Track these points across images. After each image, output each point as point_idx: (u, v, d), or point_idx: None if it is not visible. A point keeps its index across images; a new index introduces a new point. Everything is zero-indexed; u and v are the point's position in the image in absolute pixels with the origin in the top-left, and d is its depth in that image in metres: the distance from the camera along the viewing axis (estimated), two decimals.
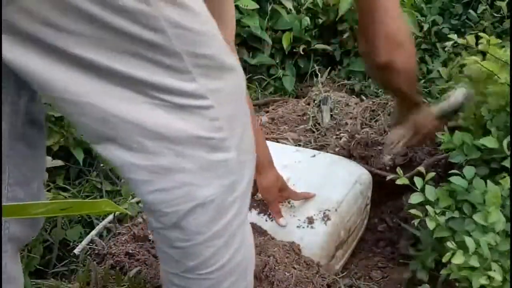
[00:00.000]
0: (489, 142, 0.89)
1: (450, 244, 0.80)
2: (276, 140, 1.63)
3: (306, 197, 1.17)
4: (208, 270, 0.64)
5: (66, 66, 0.50)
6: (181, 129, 0.55)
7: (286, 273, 1.00)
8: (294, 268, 1.02)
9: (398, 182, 0.95)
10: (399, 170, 0.97)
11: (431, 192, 0.90)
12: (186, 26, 0.53)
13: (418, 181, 0.92)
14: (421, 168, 0.96)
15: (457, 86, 0.93)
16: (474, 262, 0.77)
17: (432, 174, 0.92)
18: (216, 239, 0.63)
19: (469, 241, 0.78)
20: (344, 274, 1.18)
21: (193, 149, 0.57)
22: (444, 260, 0.80)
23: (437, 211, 0.88)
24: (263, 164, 1.06)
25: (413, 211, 0.91)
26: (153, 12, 0.50)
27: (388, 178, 1.02)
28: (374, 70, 0.82)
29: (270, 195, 1.11)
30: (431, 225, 0.86)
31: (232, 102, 0.61)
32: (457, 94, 0.95)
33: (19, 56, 0.49)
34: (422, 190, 0.91)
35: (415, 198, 0.91)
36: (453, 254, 0.79)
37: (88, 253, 1.20)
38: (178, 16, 0.52)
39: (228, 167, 0.61)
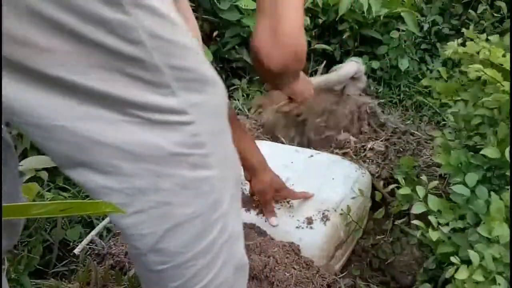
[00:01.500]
0: (491, 153, 0.86)
1: (454, 259, 0.78)
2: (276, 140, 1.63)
3: (305, 197, 1.17)
4: None
5: (39, 89, 0.46)
6: (160, 148, 0.52)
7: (286, 273, 1.00)
8: (294, 268, 1.02)
9: (401, 192, 0.94)
10: (401, 179, 0.96)
11: (434, 202, 0.88)
12: (165, 38, 0.49)
13: (420, 190, 0.91)
14: (423, 178, 0.95)
15: (349, 60, 0.83)
16: (479, 276, 0.75)
17: (435, 183, 0.90)
18: (199, 259, 0.60)
19: (473, 255, 0.77)
20: (344, 274, 1.19)
21: (172, 168, 0.54)
22: (447, 275, 0.78)
23: (440, 221, 0.86)
24: (255, 167, 1.07)
25: (416, 221, 0.90)
26: (132, 23, 0.46)
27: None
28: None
29: (264, 197, 1.12)
30: (434, 236, 0.85)
31: (214, 117, 0.57)
32: (348, 67, 0.84)
33: None
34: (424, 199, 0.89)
35: (417, 208, 0.89)
36: (456, 269, 0.77)
37: (88, 253, 1.20)
38: (157, 26, 0.48)
39: (210, 185, 0.58)
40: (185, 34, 0.53)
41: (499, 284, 0.74)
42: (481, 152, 0.87)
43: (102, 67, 0.47)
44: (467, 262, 0.79)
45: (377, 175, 1.47)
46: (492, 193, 0.84)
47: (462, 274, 0.76)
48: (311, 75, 2.17)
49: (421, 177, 1.01)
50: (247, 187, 1.19)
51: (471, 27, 1.10)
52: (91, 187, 0.53)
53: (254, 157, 1.06)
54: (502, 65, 0.95)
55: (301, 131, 1.67)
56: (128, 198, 0.53)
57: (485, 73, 0.91)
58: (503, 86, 0.88)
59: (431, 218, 0.87)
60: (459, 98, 1.06)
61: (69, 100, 0.47)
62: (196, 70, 0.54)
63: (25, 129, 0.49)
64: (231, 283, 0.68)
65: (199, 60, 0.55)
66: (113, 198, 0.53)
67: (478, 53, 0.98)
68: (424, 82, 1.14)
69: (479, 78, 0.95)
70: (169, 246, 0.57)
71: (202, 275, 0.62)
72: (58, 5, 0.43)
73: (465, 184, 0.87)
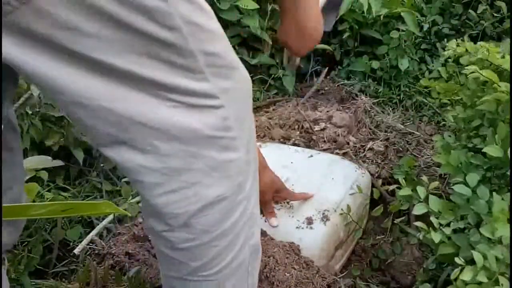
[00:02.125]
0: (493, 151, 0.86)
1: (458, 260, 0.78)
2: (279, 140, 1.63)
3: (304, 198, 1.17)
4: (211, 271, 0.64)
5: (80, 70, 0.48)
6: (195, 130, 0.55)
7: (286, 273, 1.00)
8: (294, 268, 1.02)
9: (401, 193, 0.94)
10: (401, 180, 0.96)
11: (435, 202, 0.88)
12: (199, 23, 0.52)
13: (420, 191, 0.91)
14: (424, 178, 0.95)
15: None
16: (482, 277, 0.75)
17: (435, 183, 0.90)
18: (222, 239, 0.62)
19: (477, 256, 0.76)
20: (344, 274, 1.19)
21: (205, 149, 0.56)
22: (452, 277, 0.78)
23: (442, 221, 0.86)
24: None
25: (418, 223, 0.90)
26: (169, 9, 0.48)
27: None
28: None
29: (263, 197, 1.11)
30: (436, 238, 0.84)
31: (240, 102, 0.60)
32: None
33: (31, 60, 0.46)
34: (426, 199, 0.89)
35: (419, 209, 0.89)
36: (461, 270, 0.77)
37: (88, 253, 1.20)
38: (191, 12, 0.51)
39: (237, 167, 0.60)
40: (213, 19, 0.55)
41: (502, 284, 0.74)
42: (483, 150, 0.87)
43: (140, 53, 0.49)
44: (469, 262, 0.78)
45: (376, 175, 1.47)
46: (494, 193, 0.84)
47: (467, 275, 0.76)
48: (311, 75, 2.18)
49: (421, 177, 1.01)
50: None
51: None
52: (129, 166, 0.55)
53: None
54: (500, 66, 0.95)
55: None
56: (164, 178, 0.56)
57: (482, 74, 0.91)
58: (500, 87, 0.88)
59: (433, 219, 0.86)
60: (458, 98, 1.06)
61: (110, 82, 0.50)
62: (225, 56, 0.56)
63: (70, 108, 0.51)
64: (247, 264, 0.69)
65: (226, 45, 0.57)
66: (149, 177, 0.55)
67: (476, 52, 0.98)
68: (423, 82, 1.14)
69: (475, 78, 0.95)
70: (198, 223, 0.60)
71: (225, 254, 0.64)
72: None
73: (466, 184, 0.87)
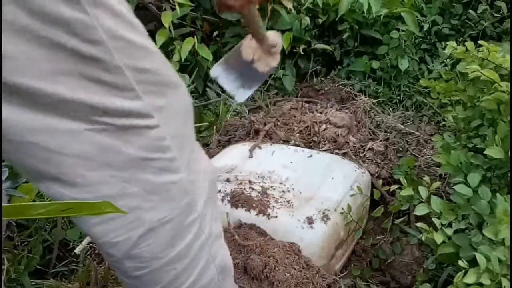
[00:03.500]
0: (494, 152, 0.87)
1: (461, 263, 0.78)
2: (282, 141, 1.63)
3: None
4: None
5: (4, 100, 0.43)
6: (126, 154, 0.51)
7: (286, 273, 1.00)
8: (294, 268, 1.02)
9: (403, 193, 0.94)
10: (403, 180, 0.97)
11: (437, 203, 0.88)
12: (127, 39, 0.48)
13: (422, 191, 0.91)
14: (426, 178, 0.95)
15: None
16: (486, 280, 0.74)
17: (437, 184, 0.90)
18: (176, 263, 0.60)
19: (480, 258, 0.76)
20: (344, 274, 1.19)
21: (139, 173, 0.53)
22: (456, 280, 0.78)
23: (443, 222, 0.86)
24: None
25: (419, 224, 0.90)
26: (91, 22, 0.44)
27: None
28: None
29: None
30: (439, 239, 0.84)
31: (178, 120, 0.57)
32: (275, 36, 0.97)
33: None
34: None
35: (420, 210, 0.89)
36: (464, 273, 0.77)
37: (88, 253, 1.20)
38: (117, 26, 0.47)
39: (180, 188, 0.57)
40: (143, 35, 0.51)
41: (505, 286, 0.73)
42: (485, 152, 0.87)
43: (64, 72, 0.45)
44: (470, 262, 0.78)
45: (376, 175, 1.47)
46: (497, 194, 0.84)
47: (471, 278, 0.75)
48: (311, 75, 2.18)
49: (423, 177, 1.01)
50: (246, 187, 1.19)
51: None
52: (59, 199, 0.52)
53: None
54: (501, 65, 0.95)
55: None
56: None
57: (483, 74, 0.91)
58: (501, 86, 0.89)
59: (435, 220, 0.86)
60: (458, 98, 1.06)
61: (34, 110, 0.45)
62: (159, 73, 0.53)
63: None
64: (218, 284, 0.67)
65: (160, 62, 0.54)
66: None
67: (477, 52, 0.99)
68: (423, 82, 1.14)
69: (476, 78, 0.95)
70: (143, 251, 0.57)
71: (183, 277, 0.62)
72: (20, 6, 0.41)
73: (467, 184, 0.87)
